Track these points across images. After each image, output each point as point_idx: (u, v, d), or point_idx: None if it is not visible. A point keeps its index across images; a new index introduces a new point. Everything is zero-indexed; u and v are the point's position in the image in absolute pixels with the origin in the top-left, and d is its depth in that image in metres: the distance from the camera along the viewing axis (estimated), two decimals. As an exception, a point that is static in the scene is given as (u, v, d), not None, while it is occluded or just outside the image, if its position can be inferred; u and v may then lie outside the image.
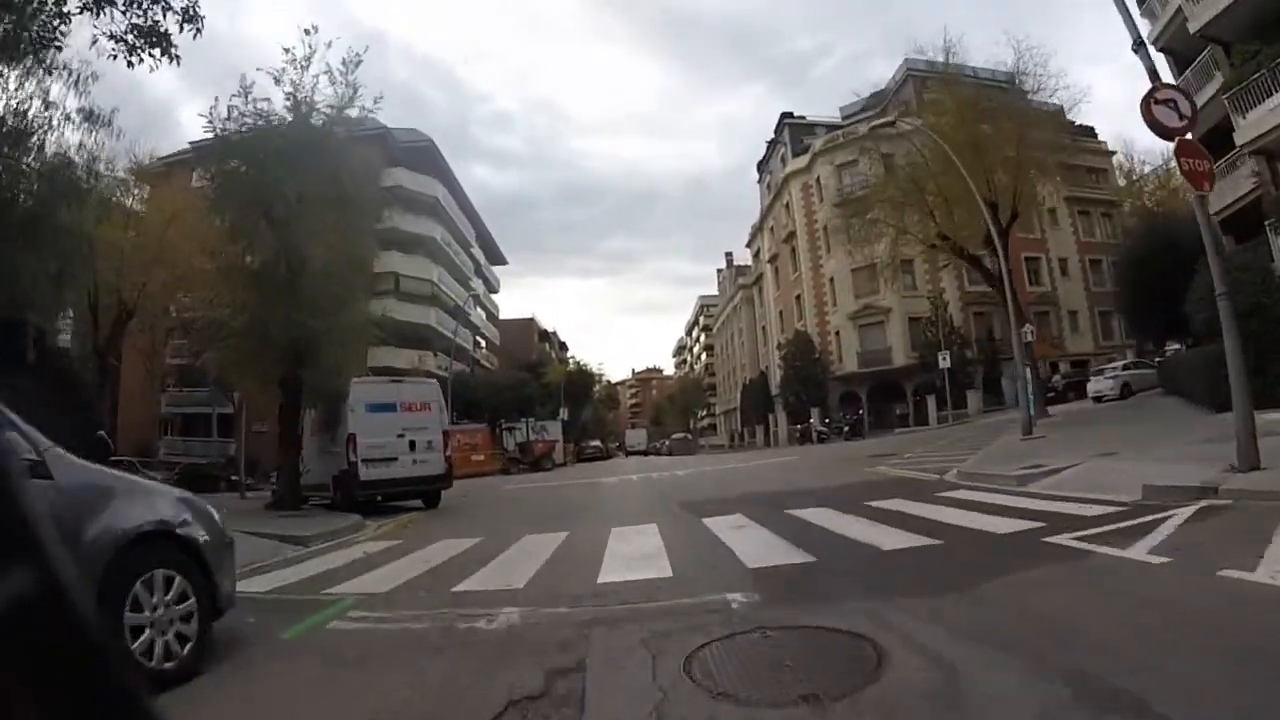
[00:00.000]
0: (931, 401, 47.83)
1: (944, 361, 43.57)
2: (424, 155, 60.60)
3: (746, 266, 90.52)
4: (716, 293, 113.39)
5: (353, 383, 16.93)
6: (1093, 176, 62.25)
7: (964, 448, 19.87)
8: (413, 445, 16.99)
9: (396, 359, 50.39)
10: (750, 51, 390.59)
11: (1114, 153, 63.09)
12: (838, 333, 56.79)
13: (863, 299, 55.05)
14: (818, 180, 60.67)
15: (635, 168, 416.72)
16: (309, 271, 18.39)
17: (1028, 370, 24.38)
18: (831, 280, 57.92)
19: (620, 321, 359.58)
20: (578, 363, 68.01)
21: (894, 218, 36.48)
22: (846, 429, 41.39)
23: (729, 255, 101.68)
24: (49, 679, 0.54)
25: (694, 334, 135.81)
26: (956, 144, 27.43)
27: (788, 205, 65.49)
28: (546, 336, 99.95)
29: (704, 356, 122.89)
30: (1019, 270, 52.93)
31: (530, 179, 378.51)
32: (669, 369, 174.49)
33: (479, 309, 74.72)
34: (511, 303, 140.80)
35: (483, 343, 75.44)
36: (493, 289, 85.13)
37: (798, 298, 63.00)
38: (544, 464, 38.93)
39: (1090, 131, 58.10)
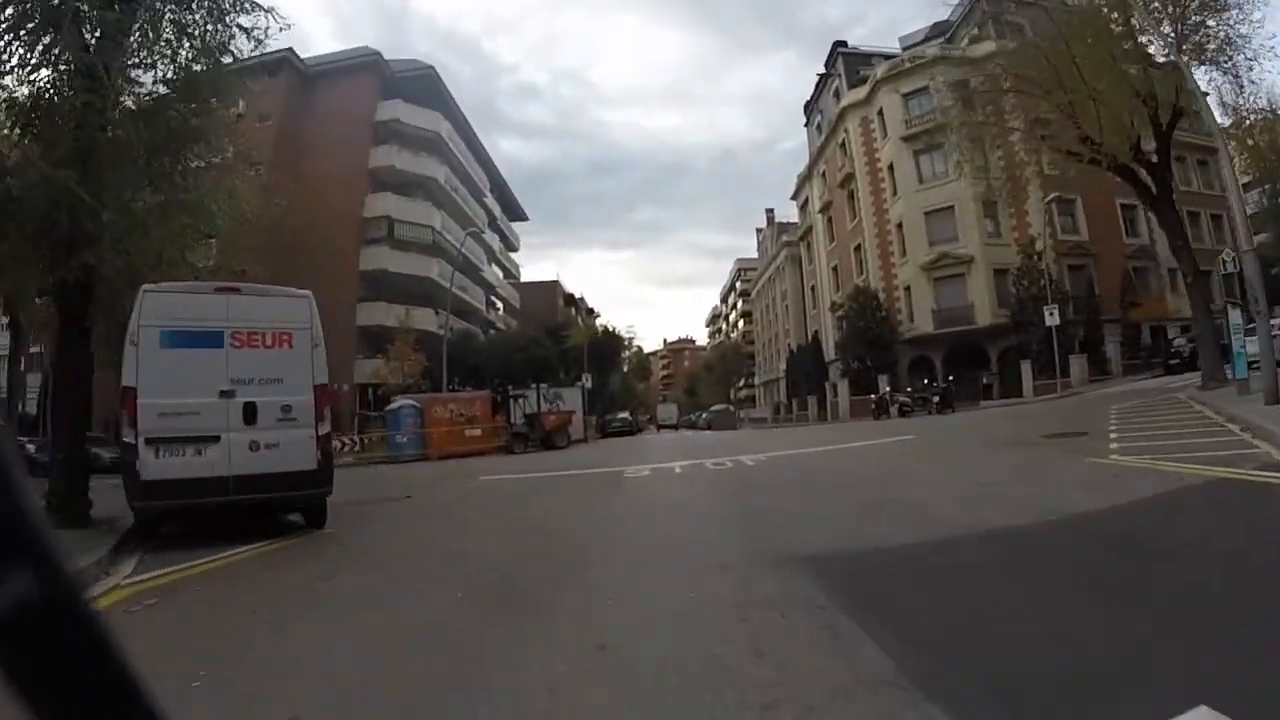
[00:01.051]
0: (1026, 368, 39.56)
1: (1052, 318, 35.48)
2: (424, 86, 52.77)
3: (789, 224, 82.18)
4: (755, 255, 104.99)
5: (144, 290, 8.69)
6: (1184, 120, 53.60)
7: (1170, 422, 13.94)
8: (251, 414, 8.74)
9: (388, 316, 42.93)
10: (779, 18, 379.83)
11: (1207, 94, 53.72)
12: (907, 288, 48.43)
13: (938, 246, 46.66)
14: (880, 113, 52.36)
15: (663, 139, 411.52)
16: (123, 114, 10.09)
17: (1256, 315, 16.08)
18: (899, 226, 49.56)
19: (650, 294, 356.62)
20: (604, 325, 59.97)
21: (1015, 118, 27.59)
22: (936, 399, 33.23)
23: (770, 212, 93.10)
24: (52, 679, 0.54)
25: (730, 300, 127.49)
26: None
27: (844, 144, 57.02)
28: (573, 301, 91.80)
29: (741, 324, 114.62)
30: (1115, 219, 44.37)
31: (558, 150, 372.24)
32: (701, 339, 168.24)
33: (493, 266, 66.97)
34: (537, 274, 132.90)
35: (499, 305, 67.80)
36: (511, 246, 77.33)
37: (856, 249, 54.60)
38: (557, 440, 31.12)
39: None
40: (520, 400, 33.44)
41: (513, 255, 78.76)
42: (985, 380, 35.27)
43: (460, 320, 50.21)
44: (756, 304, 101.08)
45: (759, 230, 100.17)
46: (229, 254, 45.26)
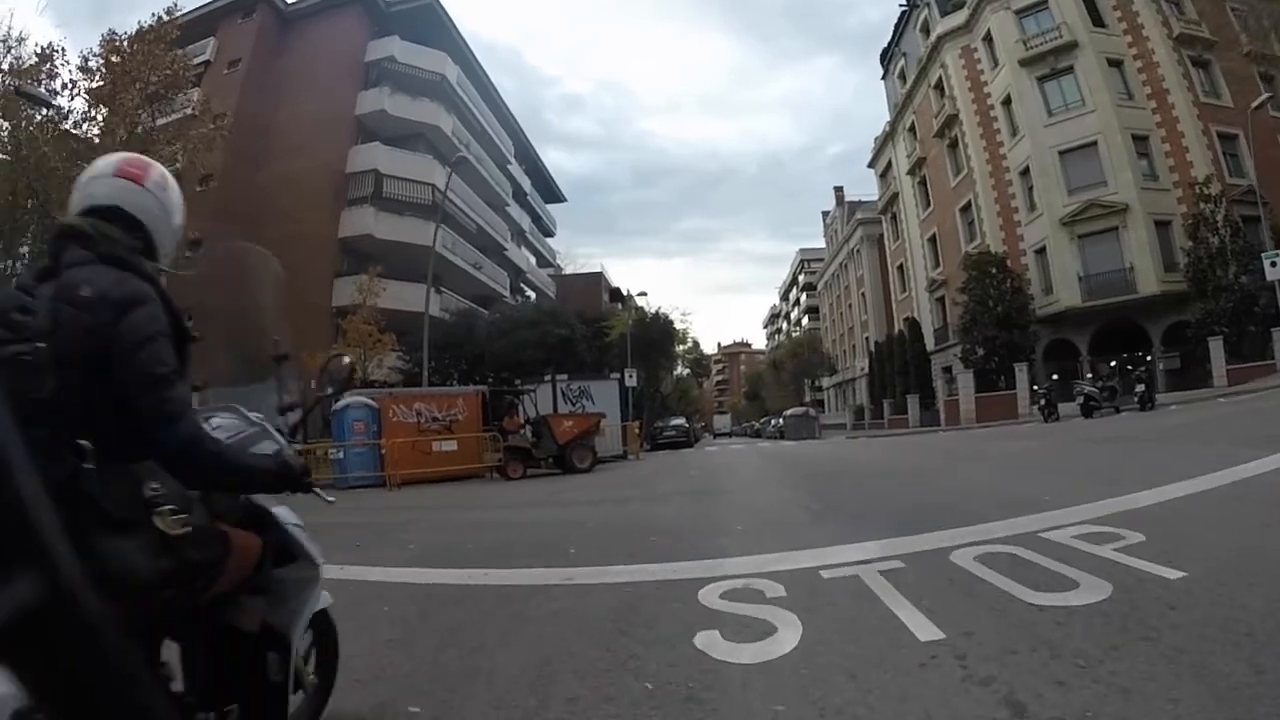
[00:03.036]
0: (1216, 348, 28.76)
1: (1275, 269, 25.09)
2: (426, 23, 43.02)
3: (863, 202, 71.49)
4: (820, 245, 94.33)
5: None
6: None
7: None
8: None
9: (386, 294, 33.41)
10: (819, 22, 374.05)
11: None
12: (1040, 250, 37.57)
13: (1081, 193, 35.84)
14: (987, 37, 41.81)
15: (707, 147, 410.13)
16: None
17: None
18: (1024, 172, 38.78)
19: (702, 302, 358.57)
20: (653, 309, 48.94)
21: None
22: (1140, 388, 22.48)
23: (839, 191, 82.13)
24: (61, 680, 0.54)
25: (791, 296, 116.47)
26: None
27: (939, 84, 46.43)
28: (619, 296, 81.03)
29: (805, 321, 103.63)
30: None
31: (603, 161, 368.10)
32: (758, 343, 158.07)
33: (522, 248, 57.23)
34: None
35: (531, 294, 57.86)
36: (545, 230, 67.65)
37: (964, 209, 43.78)
38: (576, 459, 20.44)
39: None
40: (524, 399, 22.95)
41: (550, 242, 69.32)
42: (1140, 370, 24.08)
43: (470, 303, 40.49)
44: (824, 297, 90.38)
45: (825, 213, 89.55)
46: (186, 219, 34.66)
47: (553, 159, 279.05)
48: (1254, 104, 30.82)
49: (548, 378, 25.62)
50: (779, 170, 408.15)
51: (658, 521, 8.16)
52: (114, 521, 1.78)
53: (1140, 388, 22.88)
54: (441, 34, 43.86)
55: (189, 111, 27.13)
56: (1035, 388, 26.87)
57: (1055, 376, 27.48)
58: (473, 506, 12.82)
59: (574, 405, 24.91)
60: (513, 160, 55.17)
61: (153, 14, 24.64)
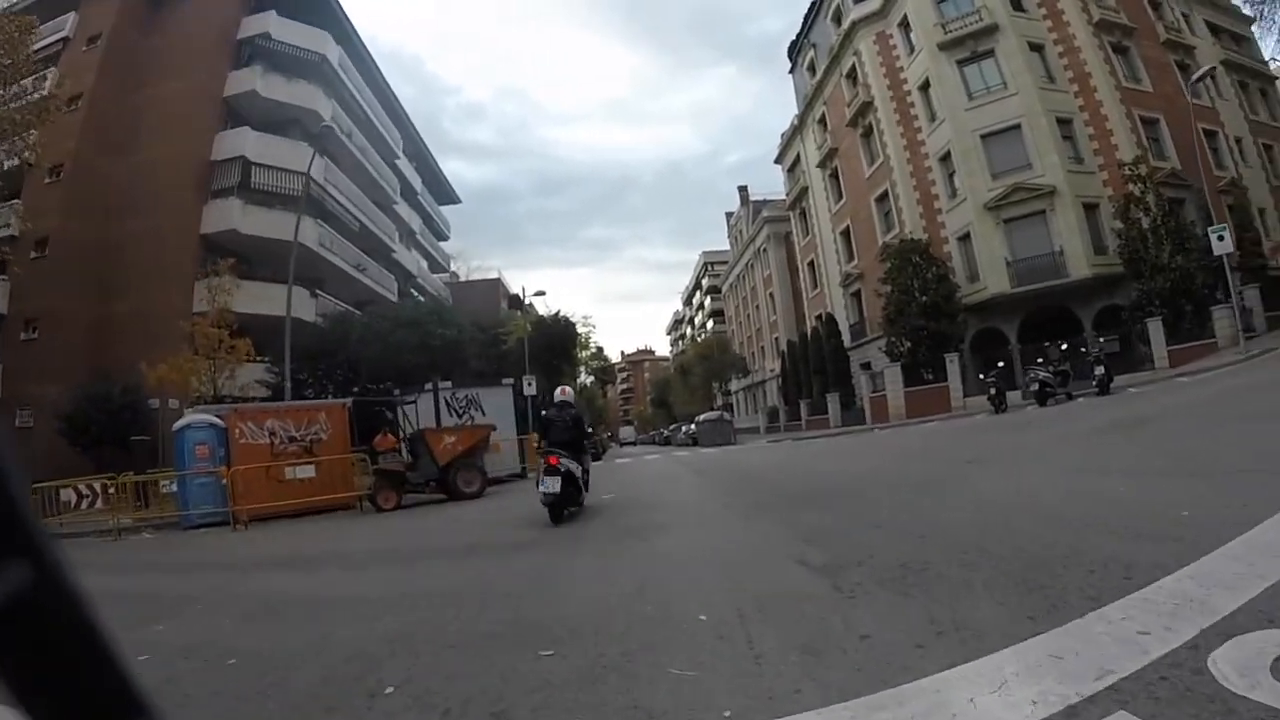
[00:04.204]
0: (1156, 329, 27.27)
1: (1223, 243, 23.62)
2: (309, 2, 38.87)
3: (769, 200, 69.55)
4: (724, 248, 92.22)
5: None
6: (1235, 44, 44.32)
7: None
8: None
9: (241, 294, 29.37)
10: (720, 33, 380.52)
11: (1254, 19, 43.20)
12: (963, 237, 35.69)
13: (1006, 177, 34.12)
14: (903, 22, 40.08)
15: (610, 155, 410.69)
16: None
17: None
18: (944, 157, 36.92)
19: (604, 311, 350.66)
20: (553, 312, 45.34)
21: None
22: (1100, 371, 20.36)
23: (743, 190, 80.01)
24: (46, 675, 0.53)
25: (695, 300, 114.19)
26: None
27: (852, 73, 44.46)
28: (518, 303, 77.12)
29: (710, 325, 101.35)
30: (1198, 148, 32.64)
31: (505, 170, 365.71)
32: (661, 350, 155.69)
33: (413, 250, 53.27)
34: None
35: (420, 298, 53.76)
36: (439, 233, 63.69)
37: (880, 198, 41.76)
38: (462, 483, 16.66)
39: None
40: (401, 412, 19.31)
41: (445, 247, 65.34)
42: (1096, 351, 22.31)
43: (352, 309, 36.48)
44: (729, 300, 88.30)
45: (729, 214, 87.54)
46: (33, 216, 30.52)
47: (452, 168, 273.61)
48: (1194, 77, 29.74)
49: (429, 386, 21.83)
50: (680, 178, 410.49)
51: (559, 604, 4.93)
52: None
53: (1099, 370, 20.73)
54: (325, 14, 39.72)
55: (41, 93, 23.86)
56: (983, 376, 24.53)
57: (1001, 364, 25.27)
58: (301, 562, 9.12)
59: (461, 418, 21.18)
60: (402, 155, 51.12)
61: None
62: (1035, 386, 21.45)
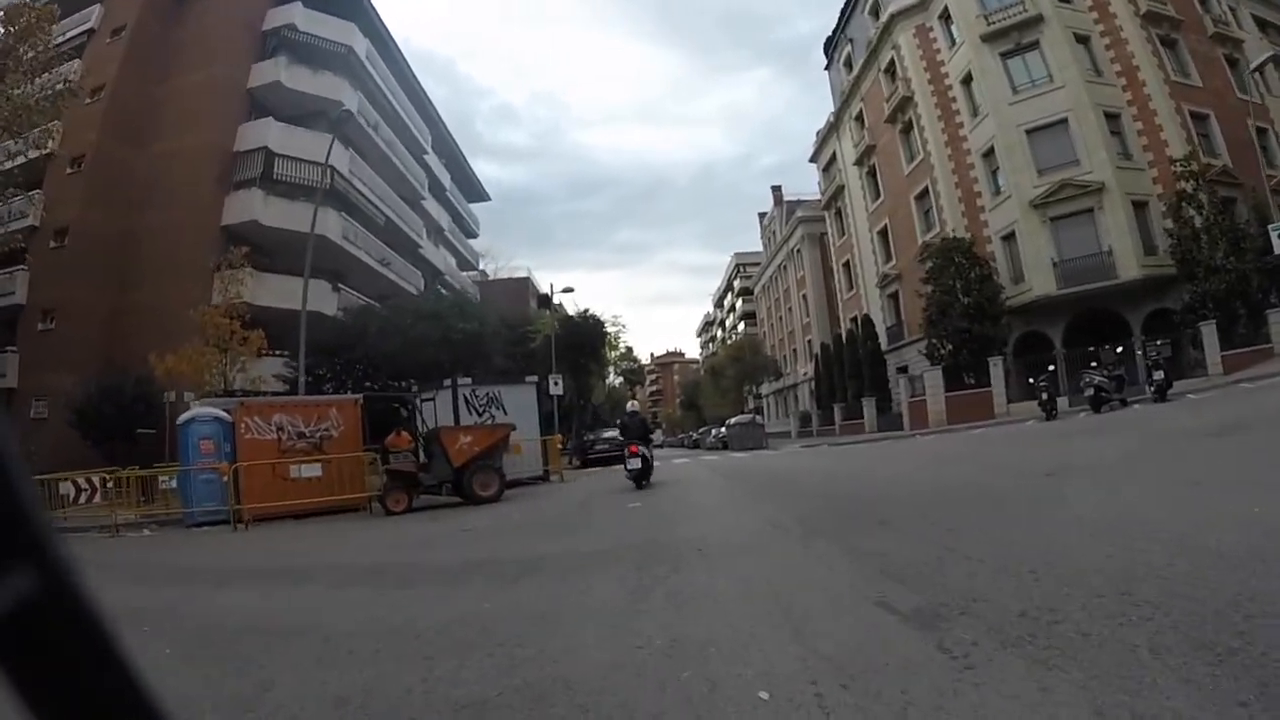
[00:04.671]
0: (1210, 334, 25.91)
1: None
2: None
3: (803, 200, 68.24)
4: (758, 249, 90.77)
5: None
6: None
7: None
8: None
9: (262, 288, 28.68)
10: (752, 35, 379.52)
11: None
12: (1007, 236, 34.28)
13: (1052, 174, 32.73)
14: (944, 14, 38.72)
15: (642, 158, 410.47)
16: None
17: None
18: (987, 154, 35.56)
19: (634, 314, 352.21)
20: (582, 312, 44.13)
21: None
22: (1159, 375, 19.06)
23: (776, 190, 78.69)
24: (54, 679, 0.53)
25: (726, 302, 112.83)
26: None
27: (891, 67, 43.12)
28: (547, 303, 76.26)
29: (741, 327, 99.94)
30: (1250, 145, 31.38)
31: (537, 173, 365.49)
32: (691, 353, 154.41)
33: (440, 248, 52.44)
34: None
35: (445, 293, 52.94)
36: (468, 231, 62.92)
37: (920, 196, 40.39)
38: (478, 486, 15.65)
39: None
40: (417, 409, 18.23)
41: (474, 245, 64.59)
42: (1154, 355, 20.77)
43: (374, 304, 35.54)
44: (761, 302, 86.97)
45: (761, 215, 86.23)
46: (54, 207, 30.45)
47: (484, 171, 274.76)
48: (1253, 65, 28.39)
49: (448, 383, 20.67)
50: (712, 181, 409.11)
51: (566, 659, 3.72)
52: None
53: (1159, 375, 19.39)
54: (352, 6, 38.93)
55: (64, 85, 23.63)
56: (1032, 381, 23.15)
57: (1051, 368, 23.95)
58: (285, 575, 7.97)
59: (481, 416, 20.10)
60: (430, 151, 50.34)
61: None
62: (1090, 391, 20.11)
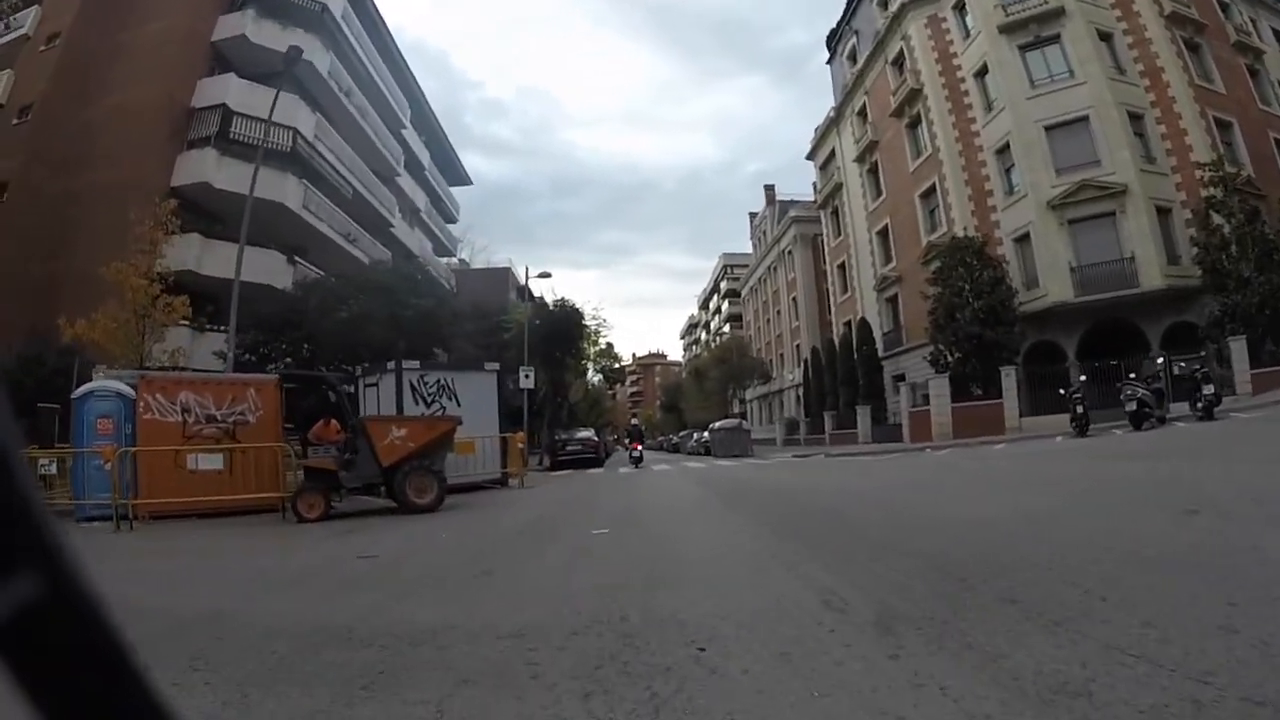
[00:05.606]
0: (1240, 349, 23.69)
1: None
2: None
3: (796, 200, 66.03)
4: (746, 250, 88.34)
5: None
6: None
7: None
8: None
9: (210, 255, 25.95)
10: (745, 44, 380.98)
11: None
12: (1021, 237, 31.98)
13: (1071, 173, 30.51)
14: (959, 4, 36.63)
15: (628, 160, 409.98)
16: None
17: None
18: (1001, 150, 33.30)
19: (615, 315, 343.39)
20: (559, 300, 41.29)
21: None
22: (1209, 390, 16.85)
23: (769, 189, 76.29)
24: (60, 682, 0.52)
25: (712, 304, 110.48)
26: None
27: (899, 59, 40.92)
28: (528, 294, 73.56)
29: (727, 329, 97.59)
30: (1272, 157, 29.67)
31: (522, 169, 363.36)
32: (674, 355, 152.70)
33: (416, 229, 49.67)
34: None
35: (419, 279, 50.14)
36: (447, 216, 60.17)
37: (926, 193, 38.05)
38: (412, 492, 12.34)
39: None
40: (347, 391, 15.34)
41: (452, 230, 61.68)
42: (1197, 368, 18.46)
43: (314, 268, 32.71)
44: (748, 304, 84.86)
45: (752, 214, 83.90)
46: None
47: (471, 163, 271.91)
48: None
49: (391, 365, 17.73)
50: (699, 186, 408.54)
51: None
52: None
53: (1208, 389, 17.10)
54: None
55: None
56: (1064, 392, 20.66)
57: (1084, 378, 21.52)
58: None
59: (430, 406, 17.36)
60: (409, 126, 47.67)
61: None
62: (1133, 406, 17.68)
